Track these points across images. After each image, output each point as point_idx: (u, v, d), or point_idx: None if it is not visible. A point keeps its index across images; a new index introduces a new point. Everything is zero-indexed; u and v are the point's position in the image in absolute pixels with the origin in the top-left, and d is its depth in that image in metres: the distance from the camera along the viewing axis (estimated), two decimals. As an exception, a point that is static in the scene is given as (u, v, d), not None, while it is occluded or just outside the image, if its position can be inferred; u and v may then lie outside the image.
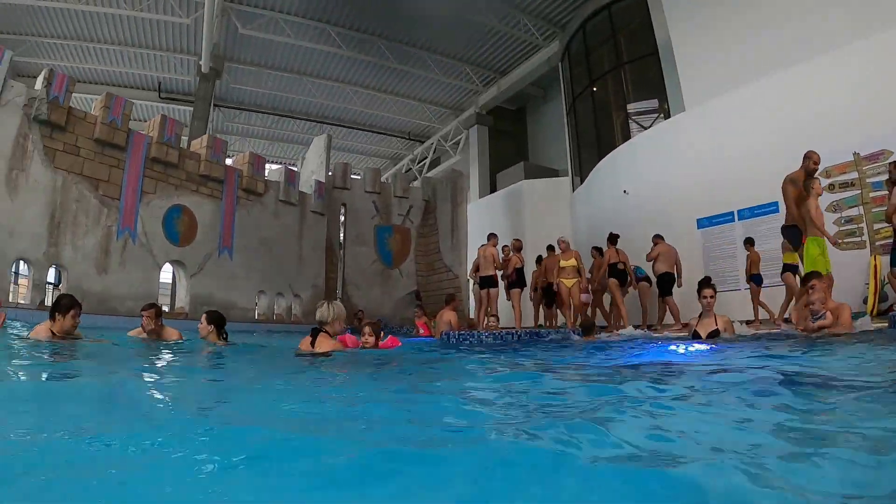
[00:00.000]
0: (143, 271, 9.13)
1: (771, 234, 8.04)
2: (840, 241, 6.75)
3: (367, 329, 4.81)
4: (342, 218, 14.02)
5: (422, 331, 9.67)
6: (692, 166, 9.40)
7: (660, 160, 10.13)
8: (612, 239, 9.05)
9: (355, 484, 1.00)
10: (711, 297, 5.17)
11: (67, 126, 8.19)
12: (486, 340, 6.97)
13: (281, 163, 21.79)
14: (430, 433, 1.58)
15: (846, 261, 6.68)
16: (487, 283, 9.40)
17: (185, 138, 10.83)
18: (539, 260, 10.63)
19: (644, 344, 5.68)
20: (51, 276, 9.47)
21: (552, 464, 1.12)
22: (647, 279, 8.92)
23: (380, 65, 16.13)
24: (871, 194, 7.08)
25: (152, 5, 13.11)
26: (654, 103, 11.78)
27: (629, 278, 9.02)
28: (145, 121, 15.63)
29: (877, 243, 6.81)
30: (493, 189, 17.39)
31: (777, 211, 8.02)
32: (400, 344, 5.26)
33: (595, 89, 13.17)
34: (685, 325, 7.11)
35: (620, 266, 8.87)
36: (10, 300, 7.65)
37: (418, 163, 22.41)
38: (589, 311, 9.68)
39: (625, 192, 10.74)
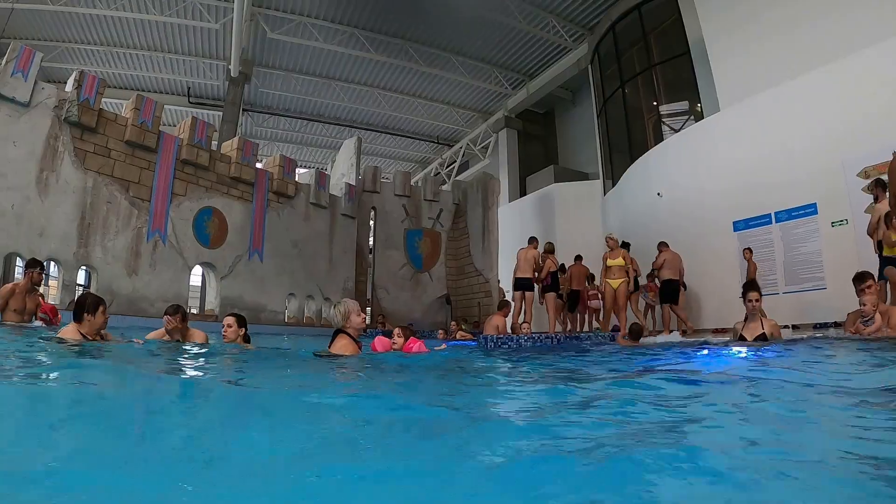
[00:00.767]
0: (173, 273, 9.00)
1: (808, 236, 7.77)
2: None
3: (397, 331, 4.94)
4: (372, 221, 13.77)
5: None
6: (727, 167, 8.96)
7: (694, 162, 9.74)
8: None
9: None
10: (757, 300, 4.98)
11: (98, 128, 8.13)
12: (524, 345, 6.76)
13: (309, 167, 21.77)
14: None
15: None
16: (523, 285, 9.18)
17: (214, 142, 10.73)
18: (563, 268, 10.50)
19: (694, 351, 5.15)
20: (80, 278, 9.41)
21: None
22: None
23: (408, 68, 16.00)
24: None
25: (181, 11, 13.20)
26: (685, 105, 11.60)
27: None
28: (175, 125, 15.72)
29: None
30: (522, 193, 17.32)
31: (816, 213, 7.68)
32: (427, 350, 4.92)
33: (626, 91, 12.79)
34: (721, 331, 6.73)
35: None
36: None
37: (447, 167, 22.15)
38: (641, 317, 9.16)
39: (659, 194, 10.36)
